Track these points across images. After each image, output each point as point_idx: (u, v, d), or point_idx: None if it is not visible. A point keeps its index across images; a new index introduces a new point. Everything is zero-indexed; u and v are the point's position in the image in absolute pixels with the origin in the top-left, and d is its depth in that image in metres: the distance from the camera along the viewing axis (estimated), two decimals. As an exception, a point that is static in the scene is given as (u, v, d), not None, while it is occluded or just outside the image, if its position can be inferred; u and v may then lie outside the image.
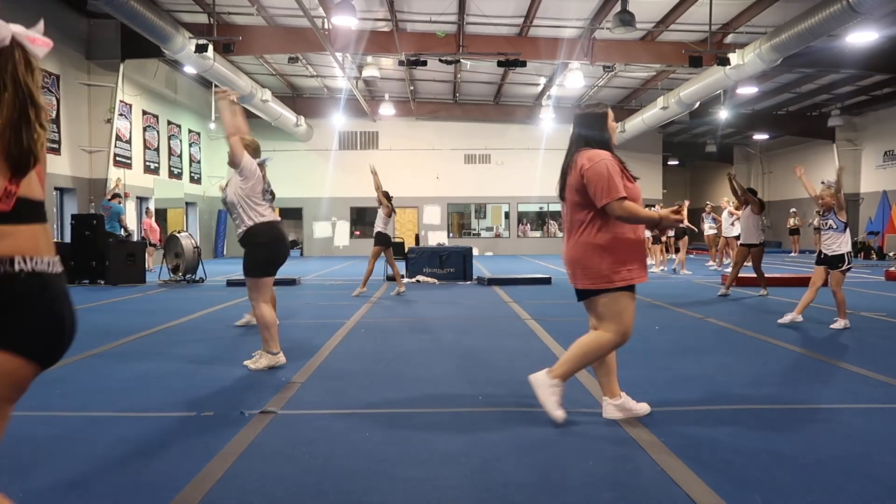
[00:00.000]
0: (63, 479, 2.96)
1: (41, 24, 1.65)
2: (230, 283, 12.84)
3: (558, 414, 3.65)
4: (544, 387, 3.69)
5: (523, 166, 27.49)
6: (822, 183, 7.70)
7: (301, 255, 27.93)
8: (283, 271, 17.31)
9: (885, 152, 24.38)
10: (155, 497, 2.75)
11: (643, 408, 3.85)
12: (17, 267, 1.57)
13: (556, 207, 29.55)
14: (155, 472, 3.03)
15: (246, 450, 3.30)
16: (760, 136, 29.83)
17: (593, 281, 3.63)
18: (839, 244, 7.10)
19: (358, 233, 28.28)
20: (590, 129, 3.74)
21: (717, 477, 2.92)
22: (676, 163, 36.07)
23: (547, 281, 12.70)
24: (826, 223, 7.23)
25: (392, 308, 9.29)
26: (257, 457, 3.21)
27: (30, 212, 1.64)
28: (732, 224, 15.62)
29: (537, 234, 29.04)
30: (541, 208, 28.88)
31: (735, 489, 2.79)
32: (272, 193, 5.75)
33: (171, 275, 13.56)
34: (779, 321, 7.39)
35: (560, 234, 29.22)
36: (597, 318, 3.72)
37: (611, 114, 3.80)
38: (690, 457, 3.16)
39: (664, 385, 4.62)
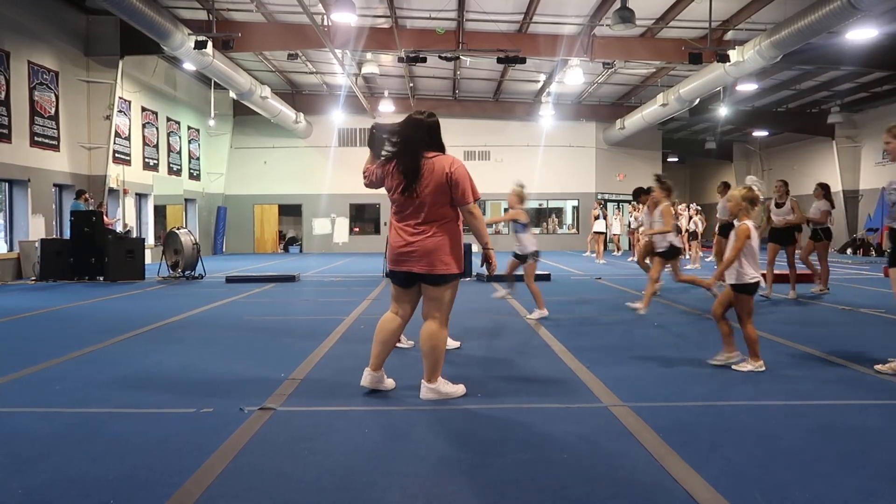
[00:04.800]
0: (62, 475, 2.96)
1: None
2: (229, 280, 12.87)
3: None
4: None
5: (523, 163, 27.40)
6: None
7: (300, 251, 27.97)
8: (283, 268, 17.11)
9: (885, 149, 24.36)
10: (154, 493, 2.75)
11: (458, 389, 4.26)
12: None
13: (556, 204, 29.54)
14: (154, 468, 3.03)
15: (245, 446, 3.31)
16: (760, 133, 29.77)
17: (448, 267, 4.08)
18: None
19: (357, 230, 28.28)
20: (435, 134, 4.21)
21: (716, 473, 2.92)
22: (676, 160, 36.07)
23: (546, 277, 12.69)
24: None
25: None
26: (257, 453, 3.22)
27: None
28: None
29: (536, 230, 29.02)
30: (540, 205, 28.85)
31: (734, 485, 2.79)
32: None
33: (171, 271, 13.56)
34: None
35: (560, 231, 29.25)
36: (431, 300, 4.17)
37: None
38: (689, 453, 3.16)
39: (663, 380, 4.63)
